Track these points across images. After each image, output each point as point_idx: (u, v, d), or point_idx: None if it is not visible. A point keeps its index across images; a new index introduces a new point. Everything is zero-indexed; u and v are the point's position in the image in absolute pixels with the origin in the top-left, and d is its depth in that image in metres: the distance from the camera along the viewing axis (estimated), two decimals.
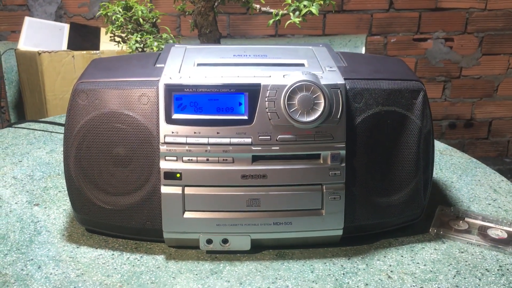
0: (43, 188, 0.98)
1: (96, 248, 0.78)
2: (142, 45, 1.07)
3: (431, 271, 0.74)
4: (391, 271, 0.73)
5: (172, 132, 0.73)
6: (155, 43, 1.06)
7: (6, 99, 1.99)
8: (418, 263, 0.75)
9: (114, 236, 0.80)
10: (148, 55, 0.90)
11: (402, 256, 0.76)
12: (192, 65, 0.80)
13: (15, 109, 2.03)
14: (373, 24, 2.37)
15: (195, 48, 0.90)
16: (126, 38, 1.11)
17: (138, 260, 0.76)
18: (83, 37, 1.93)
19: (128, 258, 0.77)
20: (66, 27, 1.95)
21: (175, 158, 0.73)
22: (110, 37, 1.14)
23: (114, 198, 0.76)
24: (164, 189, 0.74)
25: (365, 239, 0.79)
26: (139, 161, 0.74)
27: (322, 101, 0.71)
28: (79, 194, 0.77)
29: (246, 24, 2.33)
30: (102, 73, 0.79)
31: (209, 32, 1.11)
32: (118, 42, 1.15)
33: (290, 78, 0.73)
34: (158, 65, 0.79)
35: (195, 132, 0.73)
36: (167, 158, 0.73)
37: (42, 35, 1.89)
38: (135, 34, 1.07)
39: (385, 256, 0.76)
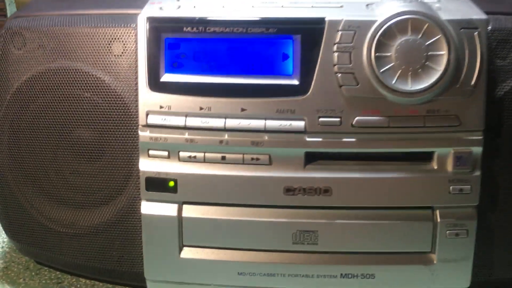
0: None
1: None
2: None
3: None
4: None
5: (161, 107, 0.51)
6: None
7: None
8: None
9: (73, 274, 0.59)
10: None
11: None
12: None
13: None
14: None
15: None
16: None
17: None
18: None
19: None
20: None
21: (165, 153, 0.52)
22: None
23: (70, 213, 0.54)
24: (146, 208, 0.52)
25: None
26: (107, 155, 0.54)
27: (444, 52, 0.46)
28: (15, 206, 0.57)
29: None
30: (52, 4, 0.59)
31: None
32: None
33: (381, 8, 0.48)
34: None
35: (201, 108, 0.50)
36: (151, 152, 0.51)
37: None
38: None
39: None
